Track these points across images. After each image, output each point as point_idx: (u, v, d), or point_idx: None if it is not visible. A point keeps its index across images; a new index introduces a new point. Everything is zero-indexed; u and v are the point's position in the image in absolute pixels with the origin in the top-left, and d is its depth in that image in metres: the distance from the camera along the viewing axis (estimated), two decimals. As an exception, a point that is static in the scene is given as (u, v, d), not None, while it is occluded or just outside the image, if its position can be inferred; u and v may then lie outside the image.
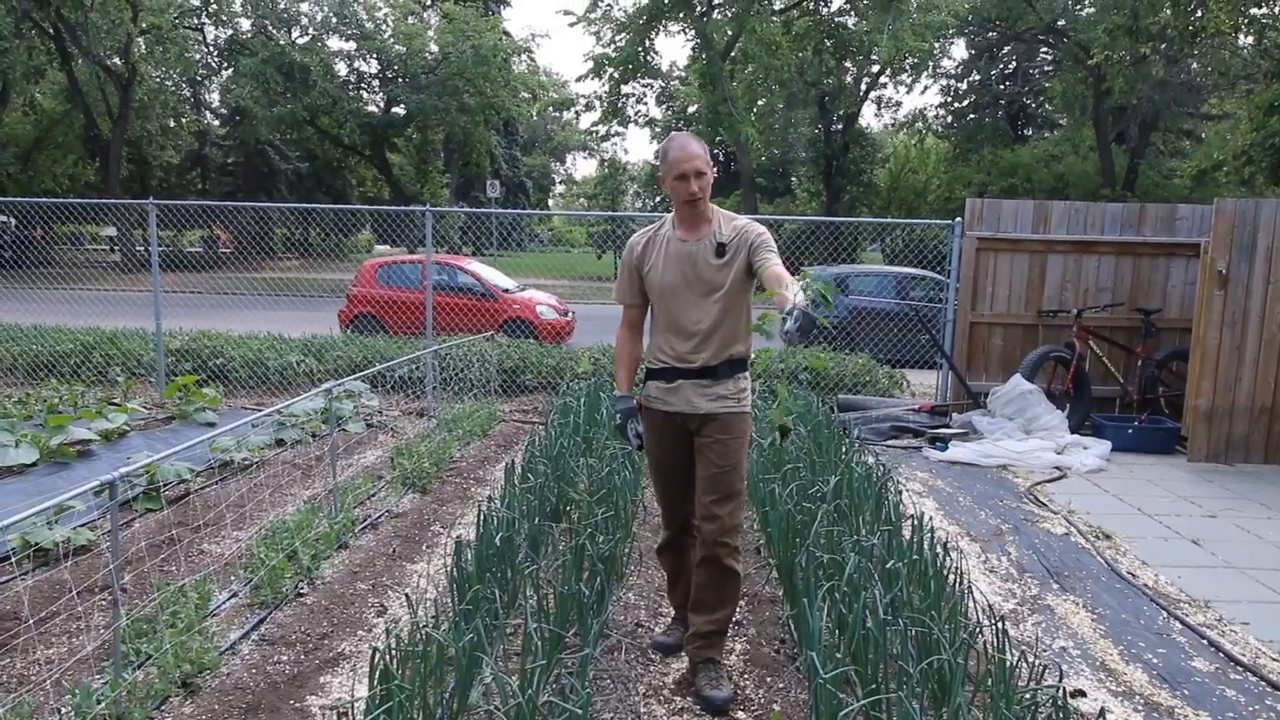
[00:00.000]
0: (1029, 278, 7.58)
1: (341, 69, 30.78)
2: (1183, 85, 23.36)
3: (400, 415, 7.68)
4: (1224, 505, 5.49)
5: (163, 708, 2.84)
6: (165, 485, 5.06)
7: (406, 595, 3.52)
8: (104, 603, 3.63)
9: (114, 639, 2.88)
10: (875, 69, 28.86)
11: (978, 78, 31.28)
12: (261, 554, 3.87)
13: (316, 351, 8.70)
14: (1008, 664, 2.61)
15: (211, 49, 30.39)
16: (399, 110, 31.44)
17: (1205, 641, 3.57)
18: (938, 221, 8.54)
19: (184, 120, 33.09)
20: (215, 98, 35.58)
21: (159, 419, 7.09)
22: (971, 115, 31.97)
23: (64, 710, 2.71)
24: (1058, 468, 6.29)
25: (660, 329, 3.07)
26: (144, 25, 24.65)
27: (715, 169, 3.04)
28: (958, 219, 7.60)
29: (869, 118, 55.36)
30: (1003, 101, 31.74)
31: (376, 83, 31.99)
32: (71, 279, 18.88)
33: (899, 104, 36.81)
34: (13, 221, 23.40)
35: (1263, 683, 3.24)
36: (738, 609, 3.71)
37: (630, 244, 3.12)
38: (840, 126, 31.31)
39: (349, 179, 37.03)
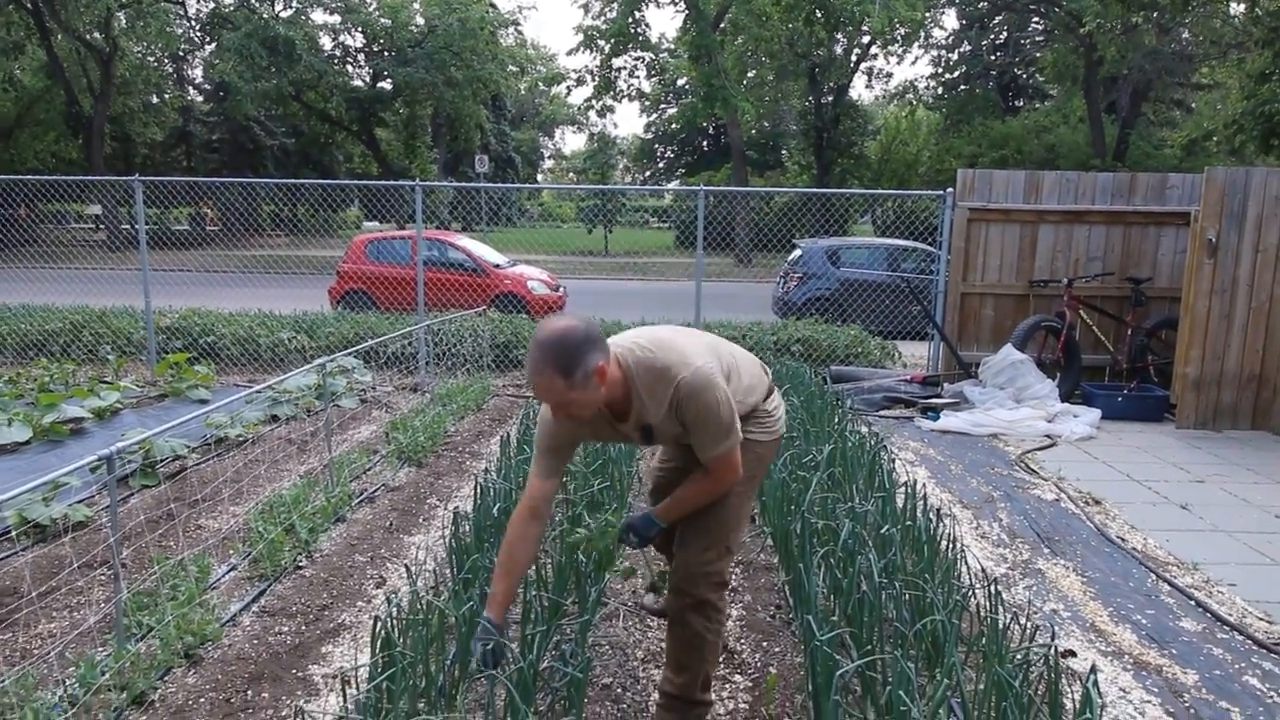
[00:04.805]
0: (1020, 248, 7.60)
1: (326, 43, 30.36)
2: (1174, 54, 23.27)
3: (394, 391, 7.68)
4: (1212, 470, 5.56)
5: (166, 678, 2.87)
6: (161, 461, 5.06)
7: (406, 566, 3.55)
8: (104, 578, 3.65)
9: (115, 612, 2.90)
10: (866, 40, 28.64)
11: (969, 48, 31.08)
12: (259, 528, 3.89)
13: (308, 328, 8.67)
14: (1000, 625, 2.66)
15: (193, 23, 29.88)
16: (386, 85, 31.09)
17: (1193, 602, 3.64)
18: (929, 192, 8.54)
19: (167, 96, 32.63)
20: (198, 73, 35.09)
21: (151, 396, 7.07)
22: (962, 86, 31.83)
23: (68, 681, 2.73)
24: (1048, 436, 6.35)
25: None
26: (123, -1, 24.25)
27: (603, 366, 2.14)
28: (949, 189, 7.61)
29: (859, 90, 55.12)
30: (994, 72, 31.59)
31: (362, 57, 31.57)
32: (57, 258, 18.70)
33: (890, 75, 36.77)
34: (-5, 201, 23.16)
35: (1249, 641, 3.30)
36: (733, 578, 3.73)
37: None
38: (831, 99, 31.13)
39: (336, 155, 36.66)
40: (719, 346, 2.49)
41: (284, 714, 2.70)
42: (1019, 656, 2.62)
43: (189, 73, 35.05)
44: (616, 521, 2.63)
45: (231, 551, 3.93)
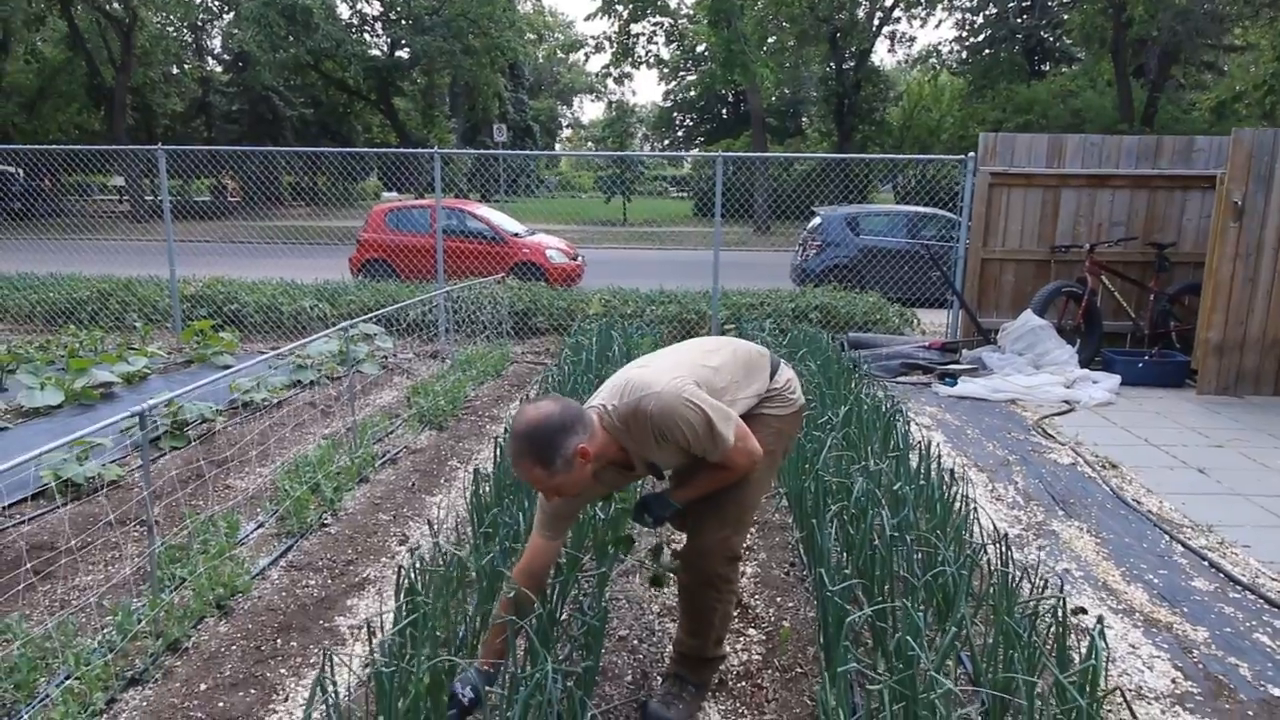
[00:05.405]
0: (1042, 213, 7.52)
1: (344, 11, 30.26)
2: (1205, 14, 22.65)
3: (414, 357, 7.77)
4: (1232, 436, 5.54)
5: (199, 627, 2.98)
6: (189, 424, 5.18)
7: (429, 521, 3.63)
8: (136, 534, 3.77)
9: (150, 564, 3.01)
10: (889, 2, 28.13)
11: (994, 10, 30.41)
12: (286, 487, 3.99)
13: (329, 296, 8.77)
14: (1011, 578, 2.70)
15: (212, -7, 29.87)
16: (403, 53, 30.97)
17: (1206, 563, 3.66)
18: (951, 157, 8.45)
19: (187, 67, 32.69)
20: (217, 43, 35.12)
21: (178, 363, 7.21)
22: (987, 50, 31.16)
23: (106, 629, 2.85)
24: (1066, 401, 6.33)
25: None
26: (142, -32, 24.25)
27: (578, 453, 2.11)
28: (971, 154, 7.53)
29: (882, 55, 54.16)
30: (1019, 35, 30.89)
31: (379, 25, 31.46)
32: (82, 229, 18.93)
33: (913, 39, 36.06)
34: (21, 173, 23.39)
35: (1261, 600, 3.33)
36: (748, 536, 3.79)
37: None
38: (852, 64, 30.64)
39: (354, 125, 36.67)
40: (687, 354, 2.46)
41: (312, 661, 2.80)
42: (1029, 609, 2.67)
43: (208, 43, 35.11)
44: (629, 505, 2.67)
45: (259, 509, 4.04)
